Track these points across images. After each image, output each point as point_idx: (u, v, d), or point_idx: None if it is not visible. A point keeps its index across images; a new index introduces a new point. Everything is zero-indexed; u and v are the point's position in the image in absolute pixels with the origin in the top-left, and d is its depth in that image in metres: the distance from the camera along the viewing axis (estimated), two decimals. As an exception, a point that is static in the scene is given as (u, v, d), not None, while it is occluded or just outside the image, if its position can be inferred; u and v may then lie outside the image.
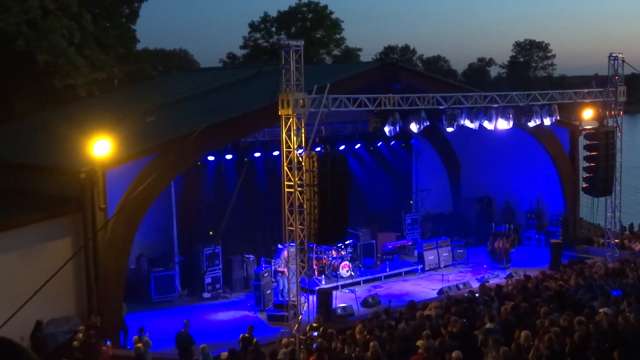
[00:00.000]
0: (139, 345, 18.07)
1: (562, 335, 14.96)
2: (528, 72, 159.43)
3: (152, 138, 23.59)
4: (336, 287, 25.37)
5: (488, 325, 16.17)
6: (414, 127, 23.47)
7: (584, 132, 28.49)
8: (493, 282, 25.28)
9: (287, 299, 21.32)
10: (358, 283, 26.58)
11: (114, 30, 51.77)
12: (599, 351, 13.72)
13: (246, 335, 18.37)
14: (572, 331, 15.18)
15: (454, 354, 14.11)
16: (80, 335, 18.51)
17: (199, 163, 25.40)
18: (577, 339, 14.50)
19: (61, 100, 42.70)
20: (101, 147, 20.19)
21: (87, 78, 43.20)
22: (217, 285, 25.94)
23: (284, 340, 18.00)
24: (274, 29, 78.11)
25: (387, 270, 27.90)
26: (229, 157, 26.58)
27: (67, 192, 21.20)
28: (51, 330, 19.42)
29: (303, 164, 19.71)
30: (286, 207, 20.31)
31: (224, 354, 17.48)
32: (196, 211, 26.98)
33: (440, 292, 25.01)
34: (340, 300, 24.19)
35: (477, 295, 21.32)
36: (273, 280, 25.22)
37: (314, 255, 25.80)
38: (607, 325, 15.47)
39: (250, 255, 26.95)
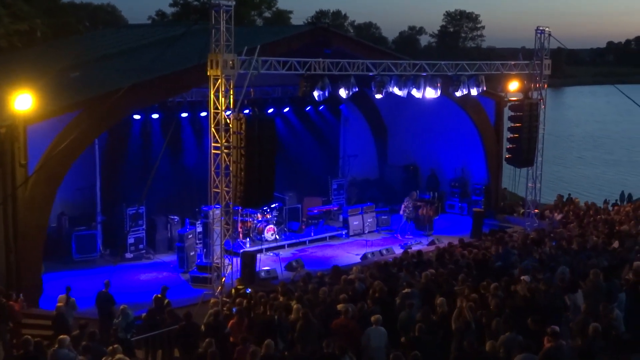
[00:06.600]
0: (60, 304, 17.72)
1: (480, 303, 15.31)
2: (457, 42, 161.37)
3: (76, 94, 23.01)
4: (260, 250, 25.40)
5: (406, 290, 16.43)
6: (343, 93, 23.46)
7: (509, 104, 28.92)
8: (416, 248, 25.68)
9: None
10: (283, 247, 26.65)
11: (39, -20, 50.10)
12: (513, 318, 14.07)
13: (159, 295, 18.13)
14: (489, 299, 15.55)
15: (372, 318, 14.34)
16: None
17: (123, 121, 24.90)
18: (494, 306, 14.87)
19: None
20: (23, 102, 19.60)
21: (8, 29, 41.84)
22: (140, 246, 25.68)
23: (212, 301, 17.91)
24: (205, -13, 76.85)
25: (312, 234, 28.03)
26: (155, 116, 26.14)
27: (-15, 147, 20.56)
28: (-34, 289, 18.91)
29: (231, 125, 19.51)
30: (212, 169, 20.14)
31: (145, 315, 17.35)
32: (120, 170, 26.54)
33: (364, 257, 25.27)
34: (264, 263, 24.26)
35: (399, 260, 21.64)
36: (197, 241, 25.09)
37: (239, 218, 25.74)
38: (523, 293, 15.90)
39: (175, 217, 26.69)
